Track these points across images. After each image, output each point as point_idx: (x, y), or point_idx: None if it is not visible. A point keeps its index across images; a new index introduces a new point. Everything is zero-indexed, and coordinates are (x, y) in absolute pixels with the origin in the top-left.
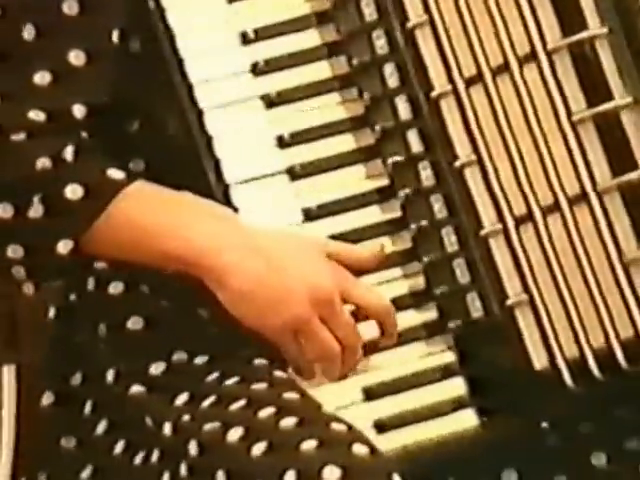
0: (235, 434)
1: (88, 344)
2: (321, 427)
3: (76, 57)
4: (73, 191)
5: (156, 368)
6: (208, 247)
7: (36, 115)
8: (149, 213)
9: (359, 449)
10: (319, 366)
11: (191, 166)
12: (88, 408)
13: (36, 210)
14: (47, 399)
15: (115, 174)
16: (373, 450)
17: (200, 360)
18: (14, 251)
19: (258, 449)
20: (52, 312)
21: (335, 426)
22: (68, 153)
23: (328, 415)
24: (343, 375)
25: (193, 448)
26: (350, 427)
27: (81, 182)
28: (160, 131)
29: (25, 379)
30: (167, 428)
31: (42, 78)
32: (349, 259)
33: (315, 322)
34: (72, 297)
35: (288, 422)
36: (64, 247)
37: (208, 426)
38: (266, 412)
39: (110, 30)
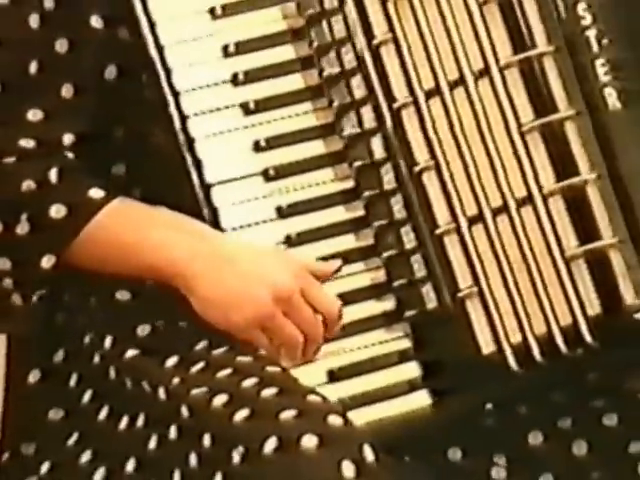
0: (220, 400)
1: (69, 323)
2: (299, 398)
3: (67, 91)
4: (57, 210)
5: (142, 330)
6: (179, 258)
7: (26, 143)
8: (126, 229)
9: (334, 419)
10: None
11: (173, 169)
12: (73, 381)
13: (22, 227)
14: (34, 377)
15: (95, 194)
16: (346, 421)
17: (186, 326)
18: (2, 264)
19: (240, 415)
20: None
21: (311, 398)
22: (53, 175)
23: (305, 388)
24: (306, 360)
25: (185, 411)
26: (324, 399)
27: (64, 202)
28: (142, 137)
29: (12, 361)
30: (162, 392)
31: (34, 115)
32: (312, 270)
33: (279, 317)
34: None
35: (269, 392)
36: (47, 262)
37: (195, 391)
38: (249, 382)
39: (98, 63)
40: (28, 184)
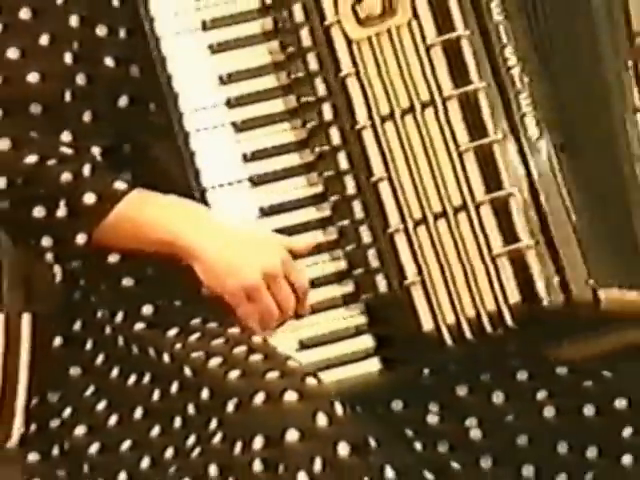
0: (215, 362)
1: (84, 301)
2: (281, 362)
3: (87, 116)
4: (88, 198)
5: (147, 309)
6: (185, 233)
7: (66, 149)
8: (142, 212)
9: (310, 380)
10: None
11: (171, 176)
12: (89, 346)
13: (61, 211)
14: (57, 342)
15: (120, 185)
16: (319, 381)
17: (183, 305)
18: (46, 241)
19: (233, 374)
20: (59, 277)
21: (290, 362)
22: (86, 170)
23: (284, 355)
24: (275, 329)
25: (187, 370)
26: (300, 364)
27: (94, 191)
28: (146, 150)
29: (38, 328)
30: (165, 356)
31: (66, 136)
32: (291, 249)
33: (263, 290)
34: (75, 264)
35: (256, 357)
36: (81, 239)
37: (194, 354)
38: (239, 349)
39: (112, 94)
40: (66, 177)
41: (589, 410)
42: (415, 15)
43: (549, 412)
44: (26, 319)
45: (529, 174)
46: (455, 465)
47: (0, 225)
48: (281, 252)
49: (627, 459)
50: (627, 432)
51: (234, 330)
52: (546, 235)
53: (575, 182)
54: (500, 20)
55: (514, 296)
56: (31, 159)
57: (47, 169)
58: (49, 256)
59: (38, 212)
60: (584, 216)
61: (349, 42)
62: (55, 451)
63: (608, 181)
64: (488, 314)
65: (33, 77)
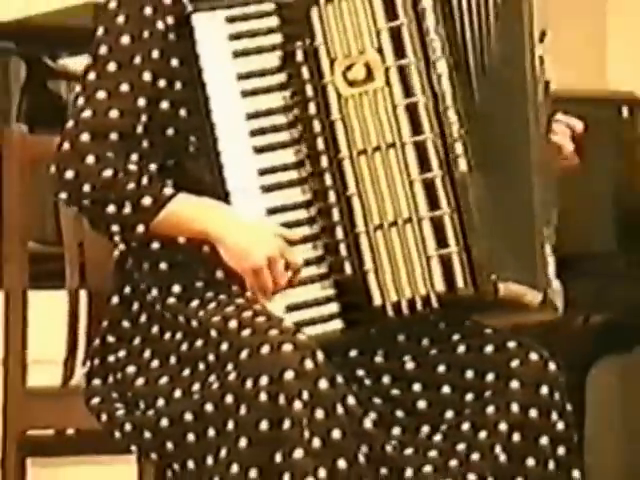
0: (232, 324)
1: (132, 272)
2: (278, 322)
3: (145, 143)
4: (146, 200)
5: (175, 288)
6: (213, 226)
7: (132, 166)
8: (184, 210)
9: (300, 335)
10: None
11: (206, 184)
12: (135, 307)
13: (127, 209)
14: (114, 300)
15: (168, 191)
16: (305, 336)
17: (203, 285)
18: (116, 228)
19: (246, 332)
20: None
21: (284, 323)
22: (144, 180)
23: (279, 317)
24: (273, 295)
25: (213, 332)
26: (291, 324)
27: (150, 195)
28: (185, 166)
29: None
30: (194, 322)
31: (134, 157)
32: (286, 238)
33: (265, 269)
34: (123, 248)
35: (260, 319)
36: (141, 228)
37: (214, 319)
38: (247, 313)
39: (163, 128)
40: (131, 186)
41: (489, 348)
42: (388, 83)
43: (460, 349)
44: (83, 293)
45: (457, 200)
46: (395, 391)
47: (84, 216)
48: (279, 241)
49: (514, 384)
50: (515, 363)
51: (240, 300)
52: (465, 243)
53: (488, 201)
54: (447, 89)
55: (440, 286)
56: (107, 172)
57: (118, 180)
58: (117, 239)
59: (110, 209)
60: (495, 230)
61: (339, 96)
62: (110, 379)
63: (513, 202)
64: (421, 297)
65: (114, 113)
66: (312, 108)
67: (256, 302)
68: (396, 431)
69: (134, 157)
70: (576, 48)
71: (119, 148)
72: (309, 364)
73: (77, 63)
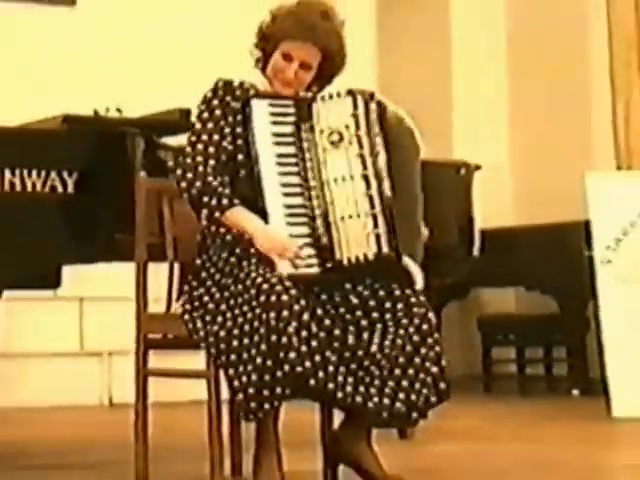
0: (258, 280)
1: (208, 246)
2: (281, 281)
3: (225, 175)
4: (224, 200)
5: (237, 250)
6: (249, 228)
7: (214, 182)
8: (239, 215)
9: (292, 290)
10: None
11: (250, 200)
12: (208, 265)
13: (213, 201)
14: (197, 261)
15: (236, 200)
16: (296, 290)
17: (245, 254)
18: (205, 212)
19: (265, 286)
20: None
21: (285, 282)
22: (225, 189)
23: (283, 278)
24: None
25: (248, 282)
26: (289, 283)
27: (226, 198)
28: (238, 187)
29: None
30: (242, 274)
31: (219, 177)
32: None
33: (275, 253)
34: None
35: (273, 280)
36: (217, 214)
37: (251, 274)
38: (266, 275)
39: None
40: (218, 190)
41: (397, 292)
42: (350, 143)
43: (381, 293)
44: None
45: (383, 206)
46: (348, 316)
47: (189, 201)
48: (284, 240)
49: (415, 309)
50: (413, 300)
51: (262, 268)
52: (388, 228)
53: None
54: (380, 149)
55: (373, 248)
56: (199, 183)
57: (210, 185)
58: (204, 216)
59: (205, 199)
60: (400, 218)
61: (323, 149)
62: (193, 306)
63: (406, 209)
64: (363, 254)
65: (210, 155)
66: (307, 155)
67: (273, 267)
68: (351, 335)
69: (218, 177)
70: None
71: (210, 170)
72: (296, 307)
73: (171, 140)
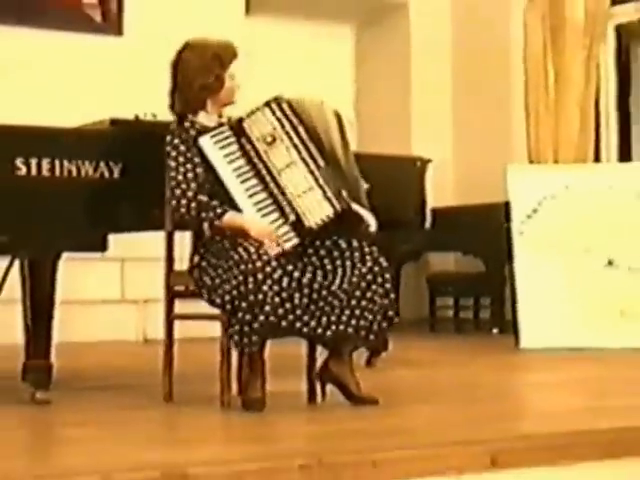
0: (250, 252)
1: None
2: (264, 255)
3: (207, 192)
4: (218, 209)
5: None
6: (246, 224)
7: (202, 197)
8: (232, 217)
9: (273, 262)
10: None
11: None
12: (211, 241)
13: (210, 214)
14: (200, 255)
15: (226, 208)
16: (277, 263)
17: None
18: (205, 224)
19: (254, 256)
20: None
21: (266, 256)
22: (215, 203)
23: (266, 253)
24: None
25: (244, 254)
26: (271, 256)
27: (220, 208)
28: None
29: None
30: (240, 248)
31: (206, 196)
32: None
33: (262, 238)
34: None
35: (258, 255)
36: (217, 222)
37: (244, 250)
38: (256, 251)
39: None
40: (211, 204)
41: (355, 244)
42: (282, 141)
43: (343, 245)
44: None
45: (323, 175)
46: (317, 263)
47: (189, 218)
48: (267, 226)
49: (367, 257)
50: (367, 249)
51: (254, 246)
52: (333, 190)
53: (331, 175)
54: (308, 142)
55: (329, 211)
56: (194, 204)
57: (201, 205)
58: (205, 227)
59: (203, 215)
60: (338, 176)
61: (264, 151)
62: (201, 265)
63: (341, 161)
64: (323, 218)
65: (190, 180)
66: (256, 161)
67: (261, 246)
68: (318, 277)
69: (203, 193)
70: (398, 138)
71: (196, 191)
72: (268, 268)
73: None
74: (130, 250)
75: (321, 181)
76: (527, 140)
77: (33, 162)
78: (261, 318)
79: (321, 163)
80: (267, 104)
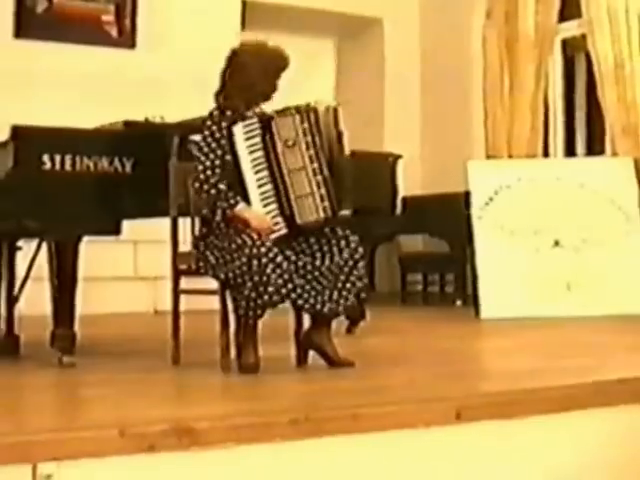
0: (249, 241)
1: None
2: (263, 244)
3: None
4: (232, 200)
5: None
6: (247, 214)
7: (222, 185)
8: (240, 210)
9: (274, 248)
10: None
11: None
12: (214, 225)
13: (225, 204)
14: (204, 230)
15: (239, 199)
16: (278, 249)
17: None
18: (219, 212)
19: (255, 242)
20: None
21: (267, 243)
22: (231, 193)
23: (266, 242)
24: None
25: (247, 240)
26: (269, 244)
27: (233, 199)
28: (236, 190)
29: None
30: (244, 235)
31: (225, 185)
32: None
33: (261, 229)
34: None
35: (258, 243)
36: (229, 212)
37: (247, 239)
38: (256, 240)
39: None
40: (221, 200)
41: (340, 233)
42: (300, 148)
43: (329, 235)
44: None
45: (326, 185)
46: (307, 250)
47: (205, 205)
48: (268, 220)
49: (346, 248)
50: (352, 238)
51: (255, 235)
52: (330, 199)
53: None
54: (318, 150)
55: (322, 214)
56: (214, 191)
57: (219, 194)
58: (218, 214)
59: (217, 206)
60: (338, 187)
61: (282, 152)
62: (203, 244)
63: (341, 173)
64: (316, 218)
65: (215, 166)
66: (272, 157)
67: (260, 236)
68: (309, 260)
69: (224, 181)
70: (373, 136)
71: (218, 178)
72: (270, 254)
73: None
74: (141, 234)
75: (322, 190)
76: (485, 138)
77: (57, 158)
78: (265, 297)
79: (326, 173)
80: (299, 111)
